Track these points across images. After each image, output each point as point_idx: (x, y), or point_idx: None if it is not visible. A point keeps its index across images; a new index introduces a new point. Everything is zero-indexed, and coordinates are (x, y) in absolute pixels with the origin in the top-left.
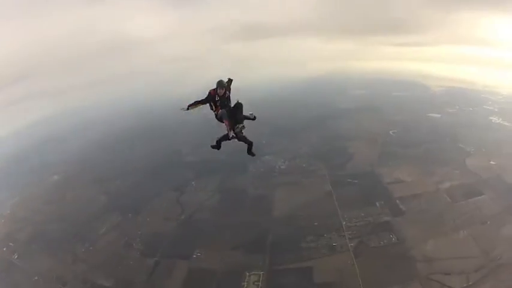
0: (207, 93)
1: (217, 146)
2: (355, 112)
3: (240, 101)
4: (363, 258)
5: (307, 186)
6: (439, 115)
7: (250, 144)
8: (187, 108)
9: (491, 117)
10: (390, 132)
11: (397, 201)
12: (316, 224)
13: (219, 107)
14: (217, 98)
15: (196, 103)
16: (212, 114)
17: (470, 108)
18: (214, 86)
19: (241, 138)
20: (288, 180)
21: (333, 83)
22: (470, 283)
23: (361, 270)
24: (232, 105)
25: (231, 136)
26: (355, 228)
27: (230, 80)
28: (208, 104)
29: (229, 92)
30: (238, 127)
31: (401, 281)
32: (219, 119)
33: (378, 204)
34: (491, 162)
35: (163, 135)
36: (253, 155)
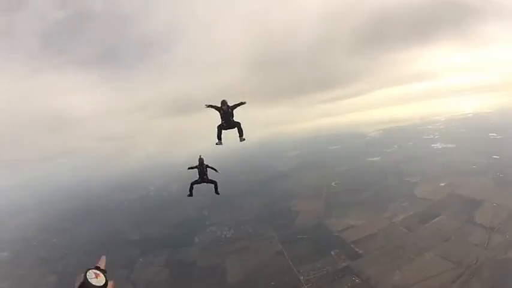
0: (221, 102)
1: (190, 193)
2: (295, 172)
3: (201, 156)
4: None
5: (257, 249)
6: (378, 157)
7: (215, 183)
8: (207, 106)
9: (433, 145)
10: (332, 183)
11: (352, 245)
12: (273, 283)
13: (223, 119)
14: (221, 112)
15: (214, 106)
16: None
17: (410, 143)
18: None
19: (208, 180)
20: (236, 247)
21: (271, 147)
22: None
23: None
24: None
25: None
26: (314, 280)
27: (241, 103)
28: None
29: (232, 110)
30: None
31: None
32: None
33: (332, 253)
34: (441, 184)
35: (102, 214)
36: (218, 194)
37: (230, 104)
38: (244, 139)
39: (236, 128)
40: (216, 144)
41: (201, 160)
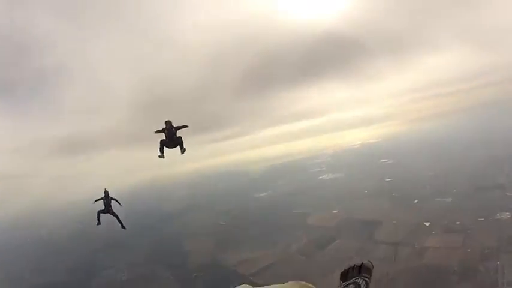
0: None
1: (98, 221)
2: (182, 213)
3: (106, 189)
4: None
5: None
6: (265, 193)
7: (118, 218)
8: (155, 132)
9: (320, 177)
10: (221, 222)
11: (251, 278)
12: None
13: (166, 137)
14: (165, 131)
15: (160, 131)
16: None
17: (297, 177)
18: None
19: (112, 213)
20: None
21: (156, 189)
22: None
23: None
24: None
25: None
26: None
27: (184, 126)
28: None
29: (176, 130)
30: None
31: None
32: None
33: (232, 287)
34: (334, 212)
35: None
36: (124, 228)
37: (175, 125)
38: (185, 150)
39: (178, 145)
40: (159, 157)
41: (106, 192)
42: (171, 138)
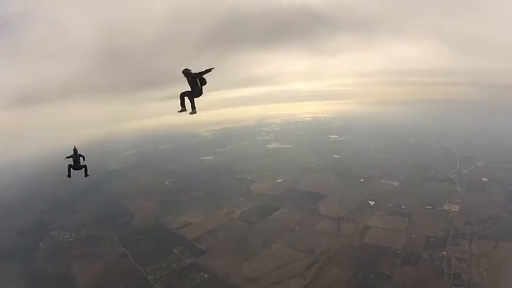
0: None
1: (69, 174)
2: (128, 171)
3: (75, 146)
4: None
5: (100, 253)
6: (211, 157)
7: (85, 168)
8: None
9: (267, 145)
10: (166, 182)
11: (193, 242)
12: (123, 286)
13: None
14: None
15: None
16: None
17: (244, 143)
18: None
19: (80, 167)
20: (80, 252)
21: (102, 147)
22: (308, 280)
23: None
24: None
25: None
26: (163, 279)
27: (207, 70)
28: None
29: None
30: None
31: None
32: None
33: (175, 250)
34: (278, 181)
35: None
36: (87, 175)
37: (194, 71)
38: (195, 112)
39: (194, 97)
40: (179, 111)
41: (75, 149)
42: (193, 87)
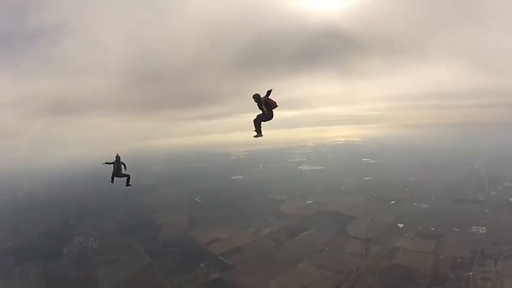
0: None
1: (112, 180)
2: (159, 187)
3: (118, 154)
4: None
5: (125, 262)
6: (242, 176)
7: (128, 177)
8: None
9: (299, 167)
10: (196, 199)
11: (220, 257)
12: None
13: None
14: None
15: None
16: None
17: (276, 164)
18: None
19: (122, 175)
20: (105, 259)
21: (135, 162)
22: None
23: None
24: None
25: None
26: None
27: (268, 92)
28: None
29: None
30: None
31: None
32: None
33: (202, 265)
34: (309, 202)
35: None
36: (129, 185)
37: (263, 95)
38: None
39: (264, 121)
40: (255, 137)
41: (118, 157)
42: (263, 111)
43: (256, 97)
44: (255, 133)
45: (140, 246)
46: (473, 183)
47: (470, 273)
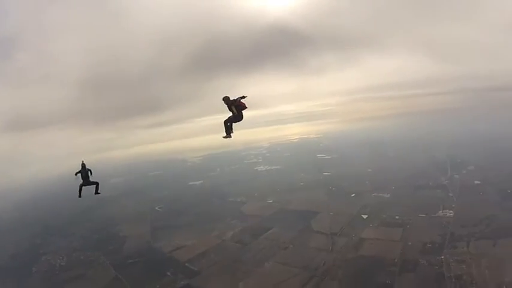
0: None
1: (80, 194)
2: (118, 198)
3: (83, 161)
4: None
5: (92, 276)
6: (200, 181)
7: (97, 184)
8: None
9: (256, 168)
10: (156, 208)
11: (187, 264)
12: None
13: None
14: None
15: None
16: None
17: (232, 167)
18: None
19: (91, 183)
20: (72, 275)
21: (93, 174)
22: None
23: None
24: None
25: None
26: None
27: (242, 97)
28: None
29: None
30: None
31: None
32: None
33: (169, 273)
34: (269, 201)
35: None
36: (98, 193)
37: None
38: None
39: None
40: (224, 137)
41: (83, 164)
42: (233, 113)
43: (226, 99)
44: (225, 134)
45: (105, 260)
46: (434, 170)
47: (442, 257)
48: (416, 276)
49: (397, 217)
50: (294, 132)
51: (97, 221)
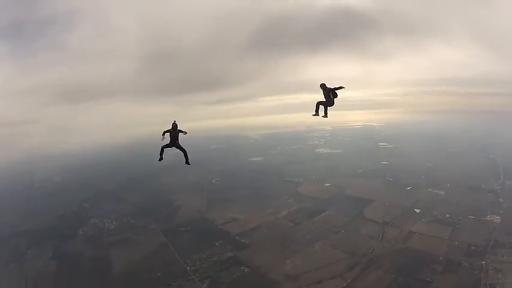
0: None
1: (161, 157)
2: (176, 168)
3: (175, 121)
4: None
5: (140, 241)
6: (260, 158)
7: (185, 153)
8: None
9: (317, 150)
10: (214, 180)
11: (237, 237)
12: (159, 275)
13: (325, 97)
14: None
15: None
16: None
17: (294, 147)
18: None
19: (179, 147)
20: (120, 239)
21: (151, 145)
22: (349, 281)
23: None
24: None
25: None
26: (201, 270)
27: (341, 87)
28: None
29: (330, 91)
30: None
31: None
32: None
33: (217, 244)
34: (326, 185)
35: None
36: (189, 164)
37: (330, 86)
38: (326, 117)
39: (327, 107)
40: (313, 115)
41: (174, 125)
42: (327, 98)
43: (323, 86)
44: (314, 113)
45: (156, 226)
46: (488, 172)
47: (483, 262)
48: (457, 277)
49: (447, 215)
50: (357, 118)
51: (153, 189)
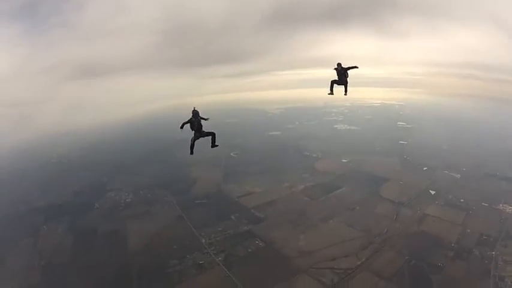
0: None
1: (191, 151)
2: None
3: (195, 108)
4: (237, 268)
5: (156, 214)
6: (279, 132)
7: (213, 136)
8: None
9: (335, 126)
10: (231, 154)
11: (252, 210)
12: (175, 247)
13: (338, 76)
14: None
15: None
16: None
17: (311, 122)
18: None
19: (206, 134)
20: (136, 212)
21: (169, 118)
22: (363, 259)
23: (239, 279)
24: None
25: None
26: (217, 243)
27: (355, 67)
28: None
29: (345, 70)
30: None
31: (285, 278)
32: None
33: (233, 217)
34: (343, 161)
35: (5, 182)
36: (216, 146)
37: (345, 66)
38: (346, 94)
39: (344, 85)
40: (329, 94)
41: (195, 112)
42: (341, 78)
43: (339, 65)
44: (329, 91)
45: (172, 199)
46: (504, 160)
47: (493, 253)
48: (468, 265)
49: (462, 200)
50: (376, 96)
51: (170, 162)
